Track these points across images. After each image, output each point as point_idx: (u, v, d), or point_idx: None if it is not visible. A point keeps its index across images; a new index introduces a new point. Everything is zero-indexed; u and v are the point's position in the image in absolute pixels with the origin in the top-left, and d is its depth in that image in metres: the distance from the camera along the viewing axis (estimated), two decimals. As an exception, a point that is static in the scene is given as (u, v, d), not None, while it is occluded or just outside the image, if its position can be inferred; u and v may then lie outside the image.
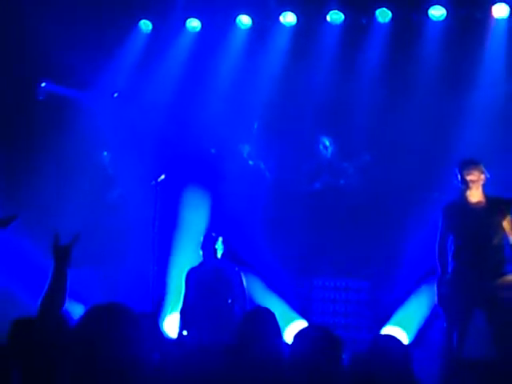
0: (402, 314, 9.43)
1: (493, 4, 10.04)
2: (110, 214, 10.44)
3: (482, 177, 7.33)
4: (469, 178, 7.30)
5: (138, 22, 11.19)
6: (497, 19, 10.15)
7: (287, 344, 4.93)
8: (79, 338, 3.44)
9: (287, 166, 10.78)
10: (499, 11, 10.07)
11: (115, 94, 10.82)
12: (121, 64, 11.08)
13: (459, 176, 7.35)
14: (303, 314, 9.71)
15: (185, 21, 11.09)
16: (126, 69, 11.12)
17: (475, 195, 7.36)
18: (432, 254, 7.62)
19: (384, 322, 9.44)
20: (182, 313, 8.74)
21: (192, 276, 8.78)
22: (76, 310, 4.05)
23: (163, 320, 9.54)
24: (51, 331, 3.69)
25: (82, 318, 3.58)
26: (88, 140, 10.70)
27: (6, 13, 9.92)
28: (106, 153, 10.91)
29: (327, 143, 10.61)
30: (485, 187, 7.38)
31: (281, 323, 5.49)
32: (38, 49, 9.97)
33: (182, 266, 9.21)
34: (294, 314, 9.65)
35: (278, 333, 5.34)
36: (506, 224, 7.30)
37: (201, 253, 8.79)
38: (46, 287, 4.28)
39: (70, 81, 10.73)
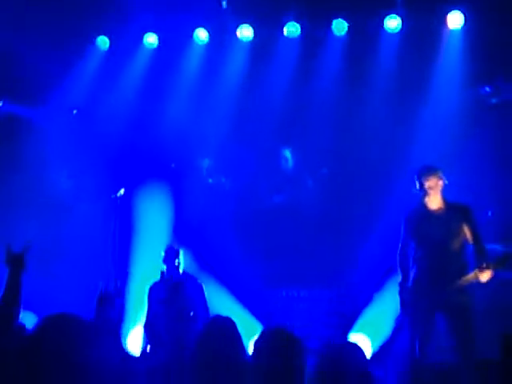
0: (365, 321, 9.45)
1: (447, 13, 10.14)
2: (69, 229, 10.34)
3: (440, 183, 7.35)
4: (427, 184, 7.31)
5: (95, 39, 11.12)
6: (452, 30, 10.27)
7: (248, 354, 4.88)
8: (32, 347, 3.41)
9: (249, 179, 10.79)
10: (454, 21, 10.17)
11: (74, 111, 10.75)
12: (78, 81, 10.99)
13: (417, 183, 7.36)
14: (267, 325, 9.68)
15: (142, 36, 11.05)
16: (84, 86, 11.03)
17: (434, 201, 7.38)
18: (392, 259, 7.65)
19: (348, 331, 9.45)
20: (145, 328, 8.67)
21: (154, 291, 8.72)
22: (29, 318, 3.99)
23: (125, 335, 9.45)
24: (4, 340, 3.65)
25: (36, 327, 3.54)
26: (43, 157, 10.62)
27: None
28: (64, 170, 10.81)
29: (288, 155, 10.63)
30: (444, 193, 7.43)
31: (244, 334, 5.43)
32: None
33: (144, 281, 9.14)
34: (257, 325, 9.62)
35: (239, 341, 5.27)
36: (465, 229, 7.33)
37: (164, 267, 8.74)
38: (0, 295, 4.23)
39: (24, 98, 10.62)
